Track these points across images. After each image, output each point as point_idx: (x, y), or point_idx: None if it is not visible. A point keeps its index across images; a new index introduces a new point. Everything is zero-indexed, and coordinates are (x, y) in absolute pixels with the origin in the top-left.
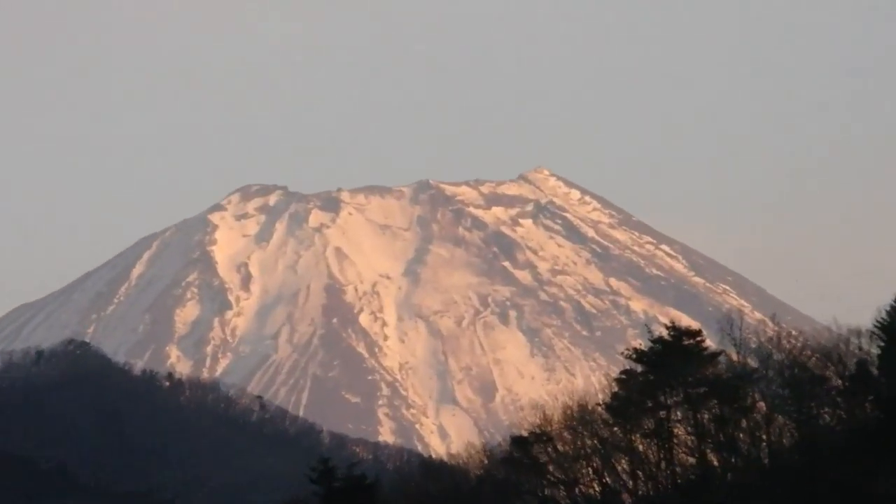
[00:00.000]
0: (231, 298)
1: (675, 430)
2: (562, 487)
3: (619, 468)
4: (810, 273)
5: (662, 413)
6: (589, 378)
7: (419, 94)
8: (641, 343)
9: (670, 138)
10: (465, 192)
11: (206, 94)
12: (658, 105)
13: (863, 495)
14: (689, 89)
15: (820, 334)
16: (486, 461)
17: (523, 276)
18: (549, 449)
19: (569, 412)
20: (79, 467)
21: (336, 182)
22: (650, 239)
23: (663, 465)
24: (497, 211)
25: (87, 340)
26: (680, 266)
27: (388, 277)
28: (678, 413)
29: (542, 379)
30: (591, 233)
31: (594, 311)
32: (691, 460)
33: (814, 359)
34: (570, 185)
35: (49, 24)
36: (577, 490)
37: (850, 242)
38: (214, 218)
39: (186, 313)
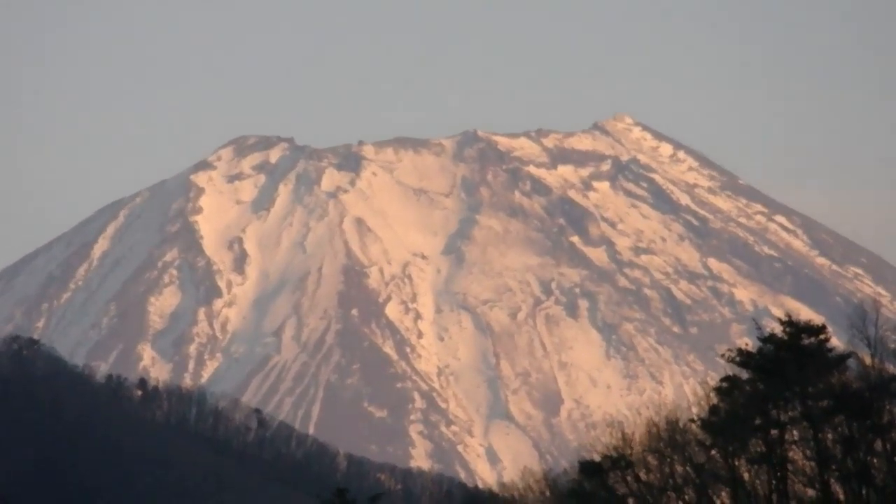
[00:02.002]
0: (221, 284)
1: (791, 455)
2: None
3: (719, 502)
4: None
5: (775, 432)
6: (681, 387)
7: (463, 18)
8: (748, 343)
9: (787, 79)
10: (524, 146)
11: (188, 20)
12: (771, 35)
13: None
14: (812, 18)
15: None
16: (548, 493)
17: (597, 255)
18: (630, 478)
19: (654, 431)
20: (22, 501)
21: (356, 133)
22: (761, 208)
23: (775, 498)
24: (564, 171)
25: (36, 337)
26: (799, 244)
27: (424, 257)
28: (795, 433)
29: (620, 388)
30: (685, 200)
31: (688, 301)
32: (811, 493)
33: None
34: (659, 137)
35: None
36: None
37: None
38: (199, 179)
39: (163, 303)
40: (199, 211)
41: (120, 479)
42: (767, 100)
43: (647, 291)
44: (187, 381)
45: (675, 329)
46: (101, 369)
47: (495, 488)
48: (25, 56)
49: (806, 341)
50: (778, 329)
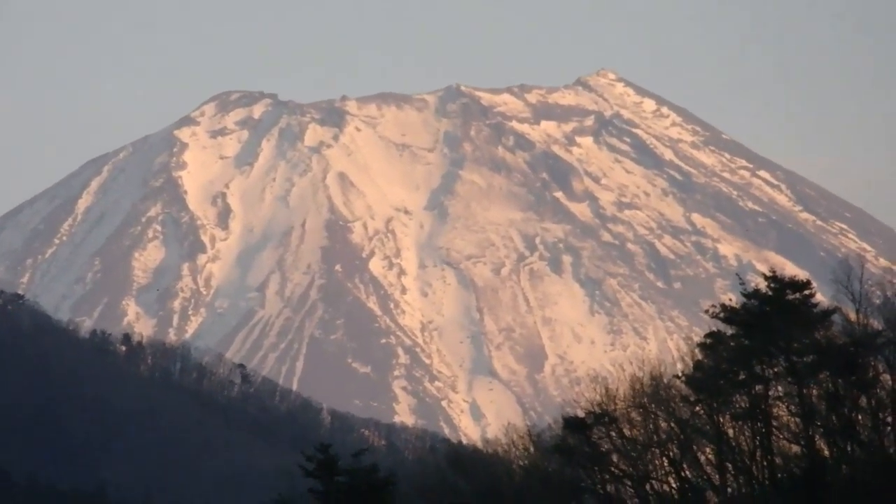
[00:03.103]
0: (205, 239)
1: (776, 411)
2: (629, 483)
3: (703, 459)
4: None
5: (759, 388)
6: (665, 343)
7: None
8: (733, 298)
9: (773, 33)
10: (507, 102)
11: None
12: None
13: None
14: None
15: None
16: (531, 449)
17: (581, 210)
18: (613, 434)
19: (638, 387)
20: (8, 460)
21: (339, 88)
22: (745, 163)
23: (759, 454)
24: (548, 126)
25: (20, 293)
26: (783, 199)
27: (407, 212)
28: (779, 388)
29: (604, 344)
30: (668, 154)
31: (672, 256)
32: (795, 449)
33: None
34: (642, 92)
35: None
36: (648, 486)
37: None
38: (182, 134)
39: (147, 258)
40: (182, 166)
41: (106, 434)
42: (751, 54)
43: (630, 246)
44: (171, 336)
45: (659, 284)
46: (86, 324)
47: (479, 444)
48: (10, 10)
49: (790, 297)
50: (762, 284)
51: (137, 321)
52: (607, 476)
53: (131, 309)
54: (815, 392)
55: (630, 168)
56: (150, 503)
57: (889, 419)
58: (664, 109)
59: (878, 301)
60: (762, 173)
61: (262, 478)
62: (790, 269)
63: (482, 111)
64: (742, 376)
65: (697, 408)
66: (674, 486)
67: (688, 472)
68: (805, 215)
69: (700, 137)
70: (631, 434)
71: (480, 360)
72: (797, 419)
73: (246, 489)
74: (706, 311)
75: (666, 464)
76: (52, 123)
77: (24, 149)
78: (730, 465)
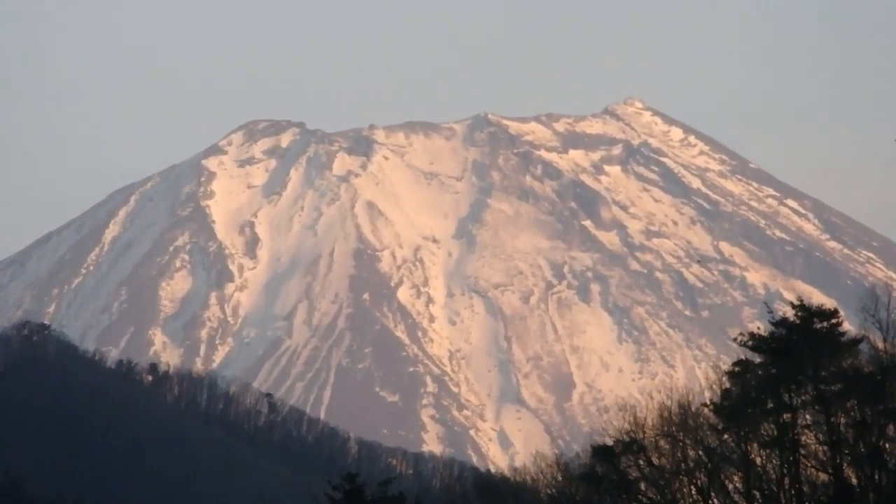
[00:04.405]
0: (232, 268)
1: (804, 439)
2: None
3: (731, 487)
4: None
5: (787, 416)
6: (692, 371)
7: (474, 2)
8: (760, 326)
9: (798, 63)
10: (535, 131)
11: (200, 5)
12: (782, 19)
13: None
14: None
15: None
16: (559, 477)
17: (609, 238)
18: (642, 462)
19: (666, 415)
20: (34, 482)
21: (367, 117)
22: (772, 192)
23: (787, 483)
24: (575, 155)
25: (47, 322)
26: (811, 227)
27: (435, 240)
28: (807, 417)
29: (632, 372)
30: (696, 183)
31: (700, 284)
32: (823, 477)
33: None
34: (669, 121)
35: None
36: None
37: None
38: (210, 163)
39: (174, 287)
40: (210, 195)
41: (131, 464)
42: (778, 84)
43: (658, 275)
44: (198, 366)
45: (687, 312)
46: (112, 354)
47: (507, 473)
48: (38, 43)
49: (818, 325)
50: (790, 313)
51: (164, 350)
52: None
53: (158, 338)
54: (842, 420)
55: (658, 196)
56: None
57: None
58: (691, 138)
59: None
60: (789, 202)
61: None
62: (817, 298)
63: (510, 140)
64: (770, 404)
65: (725, 436)
66: None
67: (715, 501)
68: (832, 244)
69: (727, 166)
70: (659, 462)
71: (508, 388)
72: (825, 447)
73: None
74: (734, 340)
75: (694, 492)
76: (79, 153)
77: (51, 178)
78: (757, 494)
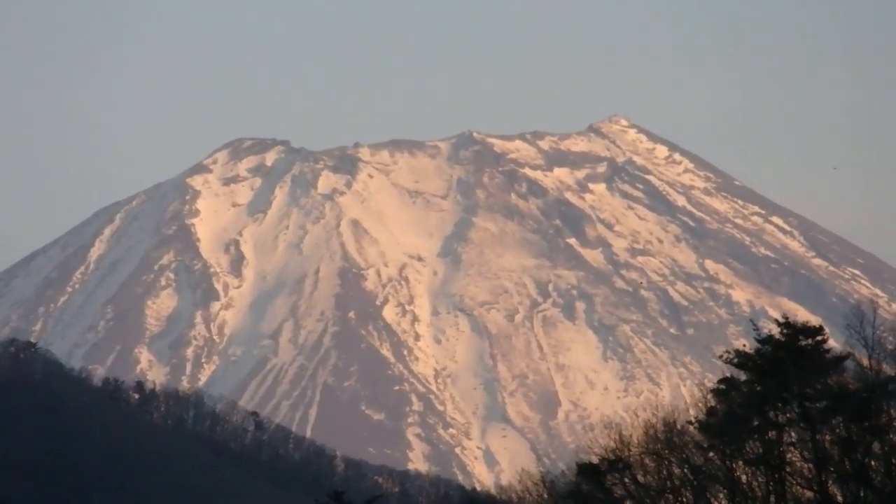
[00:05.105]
0: (218, 286)
1: (789, 456)
2: None
3: None
4: None
5: (772, 434)
6: (678, 388)
7: (458, 20)
8: (746, 344)
9: (782, 79)
10: (520, 149)
11: (184, 22)
12: (768, 37)
13: None
14: (807, 18)
15: None
16: (545, 495)
17: (594, 256)
18: (627, 480)
19: (652, 432)
20: (19, 500)
21: (352, 135)
22: (757, 209)
23: (773, 500)
24: (560, 173)
25: (32, 340)
26: (796, 245)
27: (420, 259)
28: (793, 434)
29: (617, 390)
30: (681, 201)
31: (685, 302)
32: (809, 495)
33: None
34: (654, 138)
35: None
36: None
37: None
38: (195, 182)
39: (160, 306)
40: (195, 214)
41: (118, 482)
42: (764, 101)
43: (643, 293)
44: (185, 384)
45: (672, 330)
46: (99, 372)
47: (493, 491)
48: (20, 59)
49: (803, 342)
50: (775, 330)
51: (150, 369)
52: None
53: (144, 357)
54: (828, 438)
55: (643, 214)
56: None
57: None
58: (676, 156)
59: (890, 346)
60: (775, 219)
61: None
62: (803, 315)
63: (495, 158)
64: (755, 422)
65: (711, 454)
66: None
67: None
68: (817, 261)
69: (712, 184)
70: (645, 480)
71: (494, 406)
72: (810, 465)
73: None
74: (719, 357)
75: None
76: (64, 172)
77: (36, 197)
78: None
